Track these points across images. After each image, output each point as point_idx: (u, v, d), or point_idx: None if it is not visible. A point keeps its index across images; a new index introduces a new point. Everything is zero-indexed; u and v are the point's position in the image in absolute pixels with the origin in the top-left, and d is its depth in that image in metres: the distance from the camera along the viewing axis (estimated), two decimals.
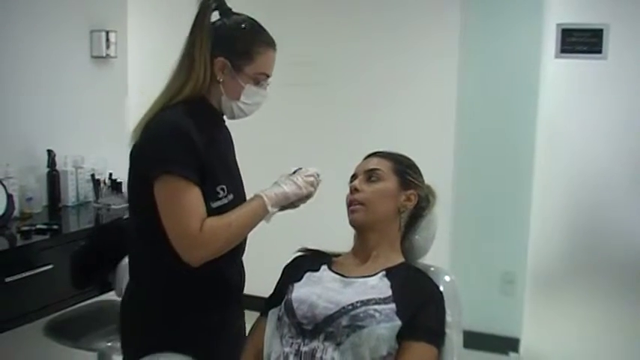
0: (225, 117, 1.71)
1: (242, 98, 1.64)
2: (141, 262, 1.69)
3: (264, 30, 1.67)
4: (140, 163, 1.59)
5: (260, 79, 1.65)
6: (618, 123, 3.25)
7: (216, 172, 1.60)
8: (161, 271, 1.63)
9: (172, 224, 1.52)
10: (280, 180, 1.65)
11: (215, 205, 1.58)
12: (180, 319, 1.64)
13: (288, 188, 1.63)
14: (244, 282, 1.78)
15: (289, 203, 1.66)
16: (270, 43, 1.65)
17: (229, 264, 1.70)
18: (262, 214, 1.60)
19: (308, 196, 1.68)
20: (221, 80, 1.62)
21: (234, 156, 1.76)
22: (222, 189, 1.60)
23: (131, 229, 1.71)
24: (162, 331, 1.64)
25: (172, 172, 1.51)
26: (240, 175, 1.75)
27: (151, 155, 1.55)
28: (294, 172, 1.68)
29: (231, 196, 1.62)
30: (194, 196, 1.52)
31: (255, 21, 1.67)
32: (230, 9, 1.67)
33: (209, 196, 1.57)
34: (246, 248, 1.76)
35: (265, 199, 1.59)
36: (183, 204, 1.51)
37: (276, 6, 3.45)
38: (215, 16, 1.65)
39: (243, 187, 1.73)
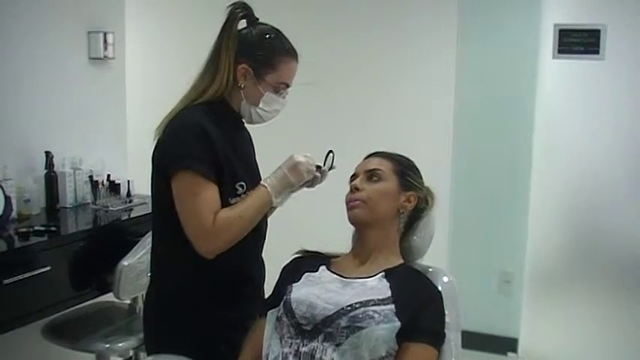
0: (244, 121, 1.77)
1: (261, 105, 1.70)
2: (162, 259, 1.75)
3: (288, 41, 1.72)
4: (160, 160, 1.65)
5: (280, 87, 1.71)
6: (616, 123, 3.25)
7: (236, 169, 1.66)
8: (182, 268, 1.68)
9: (187, 217, 1.59)
10: (283, 165, 1.69)
11: (233, 201, 1.64)
12: (202, 316, 1.69)
13: (291, 176, 1.67)
14: (265, 278, 1.84)
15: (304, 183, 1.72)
16: (292, 54, 1.71)
17: (251, 260, 1.76)
18: (269, 203, 1.66)
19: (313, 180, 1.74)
20: (242, 86, 1.68)
21: (254, 156, 1.83)
22: (242, 185, 1.66)
23: (154, 228, 1.77)
24: (184, 328, 1.69)
25: (190, 169, 1.57)
26: (259, 174, 1.80)
27: (170, 152, 1.61)
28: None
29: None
30: (210, 191, 1.59)
31: (280, 32, 1.73)
32: (257, 18, 1.73)
33: (228, 192, 1.63)
34: None
35: (269, 188, 1.65)
36: (198, 198, 1.57)
37: (273, 3, 3.44)
38: (242, 24, 1.70)
39: None
